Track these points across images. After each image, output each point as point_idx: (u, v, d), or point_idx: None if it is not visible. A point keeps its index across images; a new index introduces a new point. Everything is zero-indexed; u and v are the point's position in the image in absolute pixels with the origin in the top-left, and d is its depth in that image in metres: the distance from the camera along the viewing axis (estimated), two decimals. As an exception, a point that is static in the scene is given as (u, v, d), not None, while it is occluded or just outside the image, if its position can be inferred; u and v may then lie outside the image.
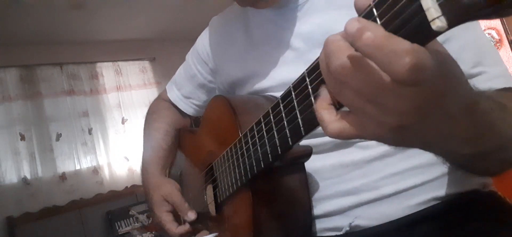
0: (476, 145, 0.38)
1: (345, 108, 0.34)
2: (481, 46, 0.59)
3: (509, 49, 2.58)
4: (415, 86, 0.28)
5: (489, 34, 2.63)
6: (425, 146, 0.38)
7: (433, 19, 0.25)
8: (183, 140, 0.94)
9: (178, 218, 0.80)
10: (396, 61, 0.26)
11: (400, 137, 0.33)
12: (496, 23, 2.63)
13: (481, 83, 0.53)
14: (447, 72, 0.30)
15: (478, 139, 0.38)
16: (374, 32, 0.27)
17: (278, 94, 0.45)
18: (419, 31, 0.26)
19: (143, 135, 0.96)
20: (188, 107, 0.94)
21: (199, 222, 0.77)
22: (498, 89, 0.54)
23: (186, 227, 0.76)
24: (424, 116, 0.31)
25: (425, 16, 0.25)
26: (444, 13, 0.24)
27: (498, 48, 2.62)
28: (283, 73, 0.67)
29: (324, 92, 0.35)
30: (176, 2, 3.08)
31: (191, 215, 0.75)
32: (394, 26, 0.27)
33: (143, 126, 0.98)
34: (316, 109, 0.35)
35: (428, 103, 0.30)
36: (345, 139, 0.34)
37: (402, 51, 0.26)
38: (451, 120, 0.33)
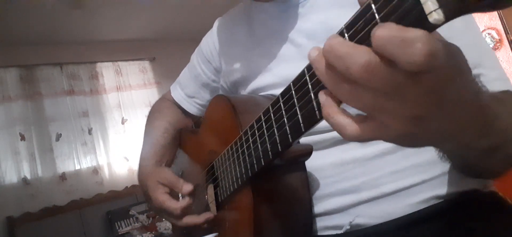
0: (487, 136, 0.39)
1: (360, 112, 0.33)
2: (480, 48, 0.59)
3: (509, 49, 2.59)
4: (431, 73, 0.28)
5: (489, 34, 2.64)
6: (444, 139, 0.37)
7: (430, 12, 0.25)
8: (184, 140, 0.94)
9: (175, 198, 0.79)
10: (410, 49, 0.26)
11: (420, 130, 0.32)
12: (496, 23, 2.63)
13: None
14: (454, 57, 0.31)
15: (489, 129, 0.38)
16: (387, 27, 0.27)
17: (281, 91, 0.45)
18: (416, 24, 0.26)
19: (144, 133, 0.96)
20: (191, 107, 0.95)
21: (199, 210, 0.76)
22: (497, 91, 0.55)
23: (186, 200, 0.74)
24: (441, 103, 0.30)
25: (422, 10, 0.25)
26: (441, 6, 0.24)
27: (498, 48, 2.62)
28: (286, 70, 0.67)
29: (327, 99, 0.34)
30: (176, 2, 3.08)
31: (187, 187, 0.74)
32: (392, 20, 0.27)
33: (143, 126, 0.99)
34: (329, 116, 0.34)
35: (442, 88, 0.30)
36: (365, 141, 0.33)
37: (416, 38, 0.26)
38: (464, 105, 0.33)
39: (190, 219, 0.74)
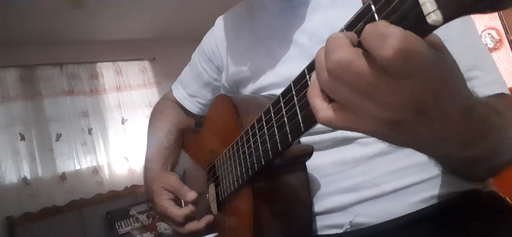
0: (470, 150, 0.39)
1: None
2: (477, 51, 0.59)
3: (509, 49, 2.59)
4: (409, 78, 0.28)
5: (489, 34, 2.64)
6: (419, 146, 0.38)
7: (429, 13, 0.25)
8: (187, 139, 0.95)
9: (180, 205, 0.79)
10: (384, 43, 0.27)
11: (393, 133, 0.33)
12: (496, 23, 2.63)
13: (475, 89, 0.54)
14: (447, 72, 0.30)
15: (473, 143, 0.38)
16: (376, 23, 0.28)
17: (282, 91, 0.45)
18: (415, 25, 0.26)
19: (147, 134, 0.97)
20: (193, 106, 0.95)
21: (201, 214, 0.76)
22: (492, 95, 0.55)
23: (189, 208, 0.74)
24: (420, 114, 0.31)
25: (421, 10, 0.25)
26: (440, 7, 0.24)
27: (498, 48, 2.63)
28: (288, 69, 0.67)
29: (315, 81, 0.36)
30: (176, 2, 3.08)
31: (191, 195, 0.74)
32: (392, 20, 0.27)
33: (144, 126, 0.99)
34: (308, 96, 0.36)
35: (425, 100, 0.30)
36: (336, 129, 0.35)
37: (390, 33, 0.26)
38: (448, 122, 0.33)
39: (192, 226, 0.74)
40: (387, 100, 0.30)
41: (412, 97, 0.29)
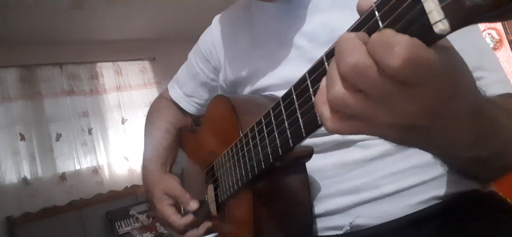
0: (479, 149, 0.39)
1: None
2: (481, 51, 0.59)
3: (509, 49, 2.59)
4: (422, 86, 0.27)
5: (489, 34, 2.64)
6: (429, 148, 0.38)
7: (436, 22, 0.24)
8: (184, 139, 0.94)
9: (180, 211, 0.79)
10: (390, 53, 0.26)
11: (406, 137, 0.32)
12: (496, 23, 2.63)
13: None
14: (457, 73, 0.30)
15: (482, 142, 0.38)
16: (382, 32, 0.27)
17: (281, 92, 0.45)
18: (421, 34, 0.25)
19: (144, 134, 0.96)
20: (189, 106, 0.94)
21: (200, 220, 0.76)
22: (499, 95, 0.55)
23: (190, 217, 0.75)
24: (435, 118, 0.30)
25: (427, 19, 0.25)
26: (447, 16, 0.24)
27: (498, 48, 2.62)
28: (286, 71, 0.67)
29: (323, 87, 0.34)
30: (176, 2, 3.08)
31: (193, 205, 0.74)
32: (396, 29, 0.27)
33: (144, 125, 0.98)
34: (315, 103, 0.34)
35: (439, 105, 0.29)
36: (346, 135, 0.34)
37: (396, 42, 0.25)
38: (459, 123, 0.33)
39: (192, 234, 0.75)
40: (403, 108, 0.29)
41: (427, 104, 0.29)
